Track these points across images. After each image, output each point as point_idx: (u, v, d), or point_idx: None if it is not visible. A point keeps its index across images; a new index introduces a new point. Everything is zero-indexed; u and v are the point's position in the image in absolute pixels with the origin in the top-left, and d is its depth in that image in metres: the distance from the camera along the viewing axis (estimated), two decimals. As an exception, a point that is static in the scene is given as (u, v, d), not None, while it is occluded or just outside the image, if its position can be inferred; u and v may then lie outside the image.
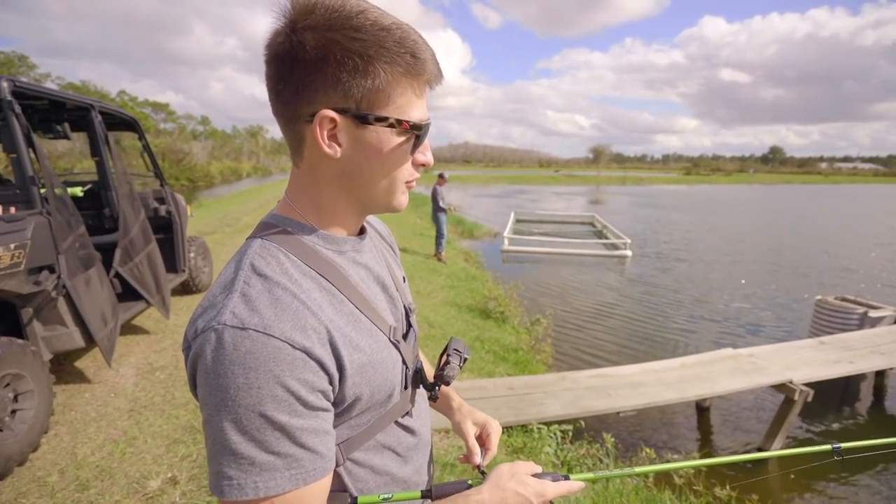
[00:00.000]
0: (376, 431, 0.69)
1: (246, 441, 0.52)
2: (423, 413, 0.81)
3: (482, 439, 0.91)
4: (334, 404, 0.60)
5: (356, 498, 0.65)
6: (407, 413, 0.74)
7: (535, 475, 0.72)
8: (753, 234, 17.92)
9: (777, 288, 9.89)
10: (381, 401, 0.67)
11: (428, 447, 0.83)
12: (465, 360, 0.83)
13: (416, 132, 0.61)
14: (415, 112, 0.61)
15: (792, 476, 3.92)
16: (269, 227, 0.64)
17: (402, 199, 0.68)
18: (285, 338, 0.53)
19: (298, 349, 0.53)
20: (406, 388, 0.73)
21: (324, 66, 0.55)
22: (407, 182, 0.66)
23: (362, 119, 0.58)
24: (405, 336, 0.74)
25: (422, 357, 0.85)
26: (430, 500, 0.70)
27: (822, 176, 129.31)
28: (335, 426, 0.61)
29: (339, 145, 0.59)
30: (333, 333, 0.58)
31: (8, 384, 2.47)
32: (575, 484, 0.73)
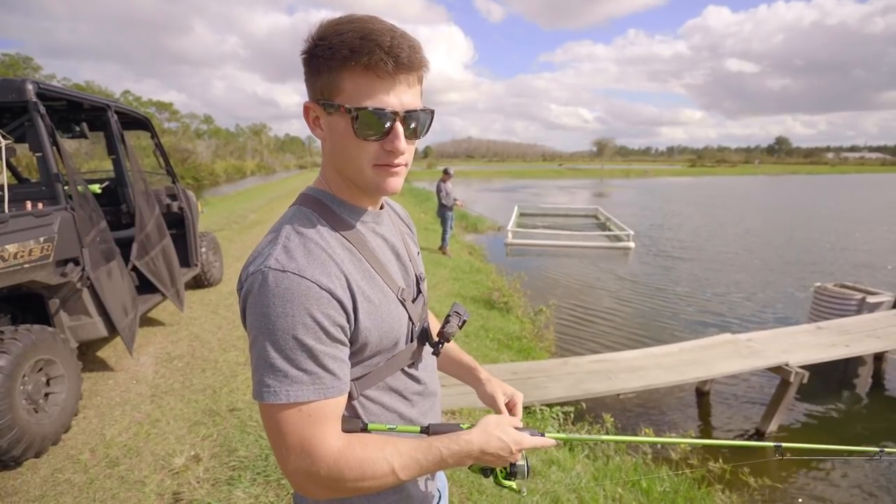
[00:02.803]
0: (385, 375, 0.84)
1: (281, 358, 0.67)
2: (429, 367, 0.95)
3: (510, 407, 1.04)
4: (350, 342, 0.75)
5: (367, 424, 0.80)
6: (413, 364, 0.89)
7: (516, 428, 0.87)
8: (763, 226, 17.82)
9: (788, 283, 9.80)
10: (388, 347, 0.82)
11: (434, 397, 0.97)
12: (465, 321, 0.96)
13: (358, 113, 0.68)
14: (365, 99, 0.69)
15: (790, 456, 4.03)
16: (306, 197, 0.82)
17: (380, 181, 0.75)
18: (314, 279, 0.69)
19: (324, 289, 0.69)
20: (412, 341, 0.88)
21: (306, 71, 0.74)
22: (377, 165, 0.74)
23: (324, 106, 0.72)
24: (414, 300, 0.89)
25: (432, 320, 0.99)
26: (427, 435, 0.84)
27: (829, 166, 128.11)
28: (352, 365, 0.77)
29: (321, 129, 0.76)
30: (351, 283, 0.73)
31: (41, 369, 2.64)
32: (548, 440, 0.89)
